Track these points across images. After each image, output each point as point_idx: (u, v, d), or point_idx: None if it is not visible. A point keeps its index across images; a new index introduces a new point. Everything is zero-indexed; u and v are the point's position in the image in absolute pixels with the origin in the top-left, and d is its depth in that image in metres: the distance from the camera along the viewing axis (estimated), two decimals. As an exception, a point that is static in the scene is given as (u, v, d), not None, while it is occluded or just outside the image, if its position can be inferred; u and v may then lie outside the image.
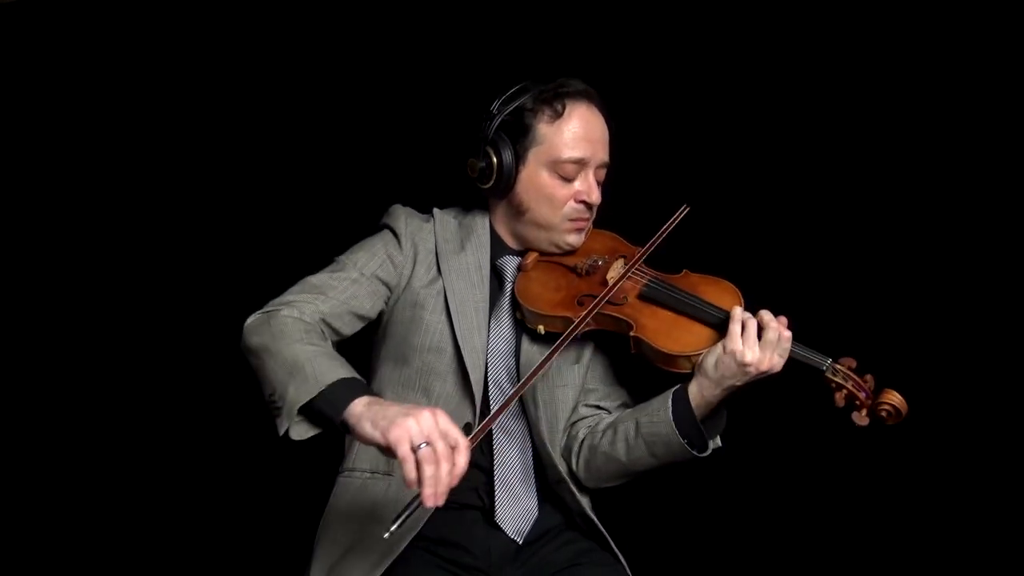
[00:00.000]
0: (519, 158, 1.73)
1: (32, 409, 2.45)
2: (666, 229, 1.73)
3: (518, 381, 1.71)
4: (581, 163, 1.73)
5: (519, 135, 1.73)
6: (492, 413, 1.54)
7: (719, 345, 1.59)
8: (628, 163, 1.82)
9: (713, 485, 2.20)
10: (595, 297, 1.68)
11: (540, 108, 1.72)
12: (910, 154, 2.28)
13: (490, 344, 1.72)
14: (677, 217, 1.74)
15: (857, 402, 1.58)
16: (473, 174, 1.76)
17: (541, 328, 1.71)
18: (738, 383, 1.58)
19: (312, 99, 2.44)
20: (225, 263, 2.45)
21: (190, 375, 2.45)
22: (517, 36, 2.36)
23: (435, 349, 1.70)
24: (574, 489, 1.71)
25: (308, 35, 2.44)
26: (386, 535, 1.32)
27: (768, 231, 2.31)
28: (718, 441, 1.67)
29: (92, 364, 2.46)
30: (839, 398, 1.59)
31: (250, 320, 1.59)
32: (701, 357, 1.61)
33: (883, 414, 1.57)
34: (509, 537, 1.67)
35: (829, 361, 1.60)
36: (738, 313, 1.59)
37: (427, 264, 1.75)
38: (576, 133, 1.72)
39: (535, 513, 1.69)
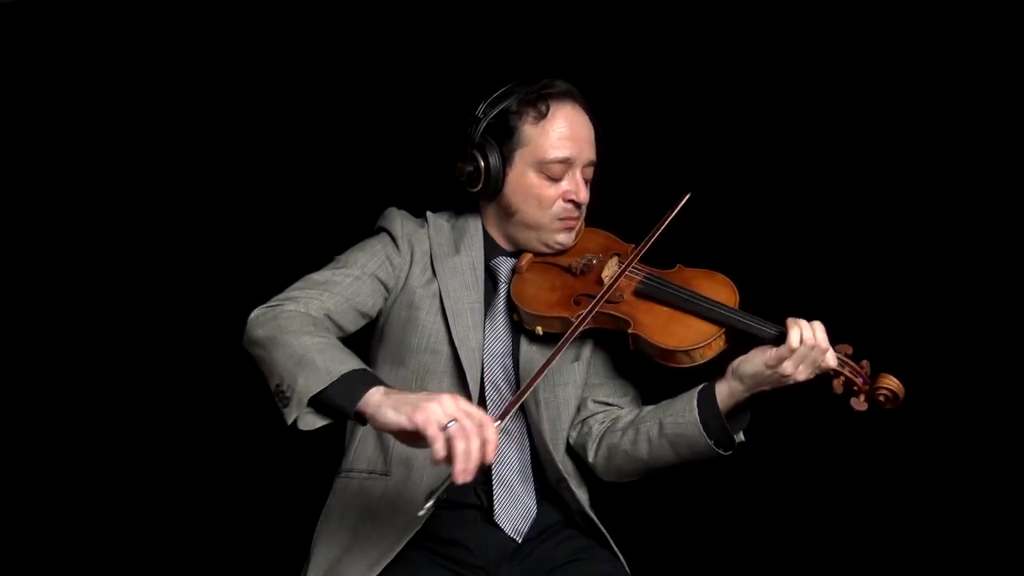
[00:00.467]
0: (506, 160, 1.74)
1: (31, 408, 2.46)
2: (668, 217, 1.73)
3: (515, 382, 1.73)
4: (567, 162, 1.73)
5: (505, 137, 1.74)
6: (516, 395, 1.57)
7: (760, 358, 1.57)
8: (623, 160, 1.82)
9: (712, 481, 2.21)
10: (591, 296, 1.68)
11: (524, 110, 1.73)
12: (897, 139, 2.30)
13: (486, 345, 1.73)
14: (679, 204, 1.74)
15: (855, 388, 1.60)
16: (462, 178, 1.77)
17: (539, 329, 1.72)
18: (768, 389, 1.61)
19: (305, 103, 2.45)
20: (219, 265, 2.45)
21: (188, 376, 2.46)
22: (516, 36, 2.36)
23: (431, 350, 1.71)
24: (573, 488, 1.73)
25: (302, 41, 2.44)
26: (420, 512, 1.39)
27: (761, 219, 2.33)
28: (742, 436, 1.67)
29: (91, 363, 2.47)
30: (837, 384, 1.61)
31: (254, 313, 1.59)
32: (736, 363, 1.61)
33: (881, 399, 1.59)
34: (508, 535, 1.68)
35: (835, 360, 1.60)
36: (796, 337, 1.55)
37: (422, 265, 1.76)
38: (561, 133, 1.73)
39: (534, 512, 1.71)
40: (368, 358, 1.79)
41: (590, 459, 1.74)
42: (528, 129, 1.73)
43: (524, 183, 1.74)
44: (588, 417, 1.77)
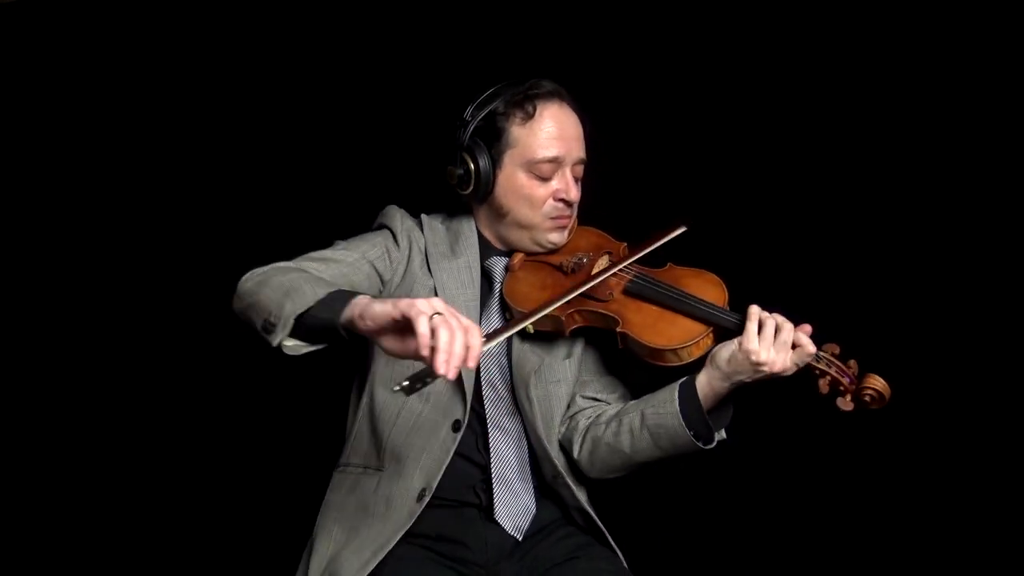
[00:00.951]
0: (495, 162, 1.75)
1: (31, 407, 2.48)
2: (656, 242, 1.73)
3: (511, 379, 1.75)
4: (556, 161, 1.74)
5: (493, 139, 1.75)
6: (502, 331, 1.59)
7: (735, 341, 1.59)
8: (615, 157, 1.81)
9: (709, 478, 2.21)
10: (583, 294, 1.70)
11: (511, 111, 1.74)
12: (886, 141, 2.25)
13: None
14: (671, 234, 1.74)
15: (841, 388, 1.59)
16: (452, 181, 1.79)
17: (530, 327, 1.73)
18: (747, 380, 1.60)
19: (296, 107, 2.45)
20: (216, 265, 2.39)
21: (187, 372, 2.47)
22: (517, 37, 2.35)
23: None
24: (571, 484, 1.73)
25: (294, 46, 2.44)
26: (395, 388, 1.35)
27: (752, 219, 2.29)
28: (723, 434, 1.68)
29: (90, 362, 2.48)
30: (823, 384, 1.60)
31: (245, 276, 1.61)
32: (714, 349, 1.62)
33: (867, 399, 1.58)
34: (507, 533, 1.69)
35: (813, 348, 1.60)
36: (755, 311, 1.59)
37: (419, 261, 1.79)
38: (549, 132, 1.73)
39: (533, 509, 1.72)
40: (364, 356, 1.81)
41: (575, 453, 1.75)
42: (516, 130, 1.74)
43: (514, 184, 1.75)
44: (576, 413, 1.78)
